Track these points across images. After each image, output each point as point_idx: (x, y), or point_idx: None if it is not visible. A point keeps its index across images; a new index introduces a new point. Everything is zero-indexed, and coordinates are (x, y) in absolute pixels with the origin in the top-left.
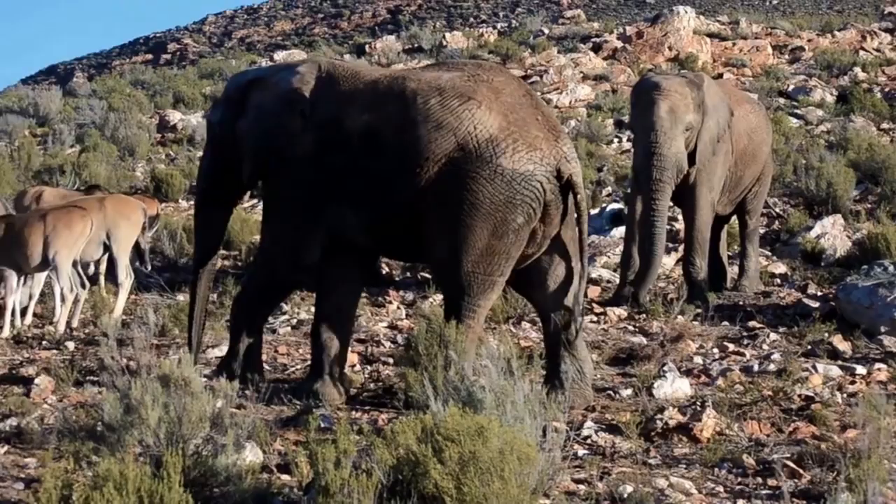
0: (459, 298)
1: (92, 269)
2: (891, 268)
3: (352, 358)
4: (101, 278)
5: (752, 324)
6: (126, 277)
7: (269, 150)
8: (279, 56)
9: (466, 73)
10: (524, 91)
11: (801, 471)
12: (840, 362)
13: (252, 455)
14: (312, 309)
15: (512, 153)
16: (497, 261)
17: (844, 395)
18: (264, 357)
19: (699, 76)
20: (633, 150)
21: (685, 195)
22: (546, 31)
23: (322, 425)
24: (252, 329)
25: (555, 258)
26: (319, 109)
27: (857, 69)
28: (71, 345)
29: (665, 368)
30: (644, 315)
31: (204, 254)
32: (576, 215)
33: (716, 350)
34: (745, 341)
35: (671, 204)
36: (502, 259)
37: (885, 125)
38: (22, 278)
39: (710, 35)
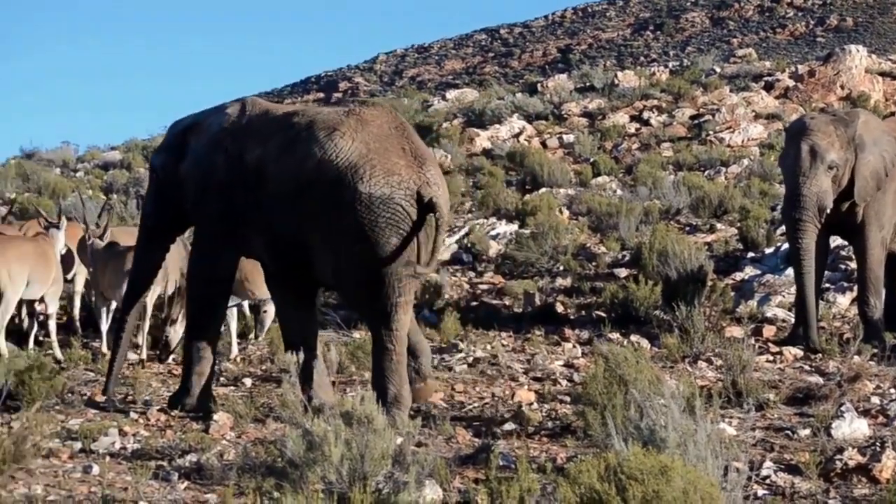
0: (379, 329)
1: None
2: None
3: (529, 396)
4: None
5: None
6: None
7: (207, 189)
8: (451, 95)
9: (342, 108)
10: (396, 124)
11: None
12: None
13: (432, 492)
14: (488, 347)
15: (369, 178)
16: (389, 283)
17: None
18: (441, 395)
19: (853, 113)
20: None
21: (855, 233)
22: (718, 69)
23: (502, 463)
24: (202, 357)
25: None
26: (235, 145)
27: None
28: (248, 381)
29: (843, 408)
30: (820, 355)
31: (139, 287)
32: (434, 232)
33: (893, 390)
34: None
35: (845, 243)
36: (394, 280)
37: None
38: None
39: (882, 74)
